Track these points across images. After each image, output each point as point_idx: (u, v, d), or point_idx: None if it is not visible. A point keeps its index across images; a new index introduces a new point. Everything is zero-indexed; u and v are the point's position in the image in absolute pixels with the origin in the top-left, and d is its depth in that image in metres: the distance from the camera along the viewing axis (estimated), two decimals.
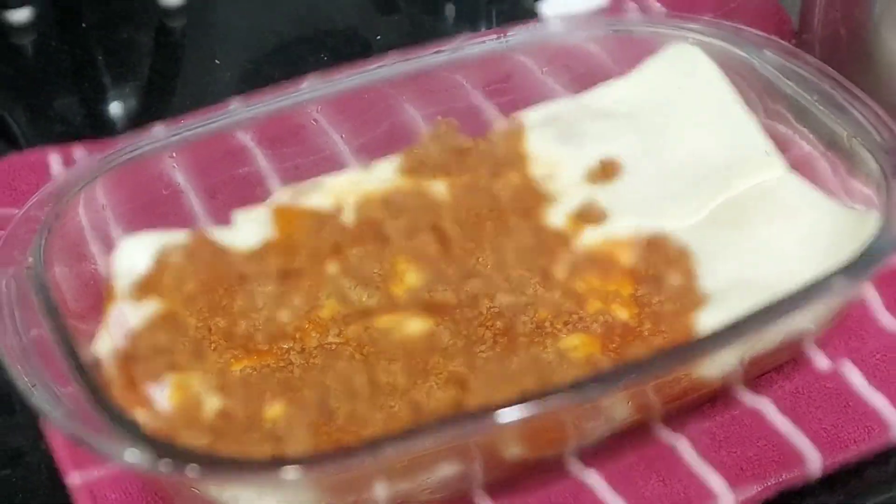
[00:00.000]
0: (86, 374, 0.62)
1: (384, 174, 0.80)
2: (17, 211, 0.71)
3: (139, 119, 0.91)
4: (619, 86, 0.84)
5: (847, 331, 0.73)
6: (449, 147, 0.81)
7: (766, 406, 0.69)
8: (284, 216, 0.76)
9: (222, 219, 0.77)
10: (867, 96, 0.74)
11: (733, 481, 0.65)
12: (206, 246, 0.74)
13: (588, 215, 0.77)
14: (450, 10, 1.02)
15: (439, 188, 0.79)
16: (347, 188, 0.79)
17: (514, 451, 0.64)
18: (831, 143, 0.75)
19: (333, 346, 0.69)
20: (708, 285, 0.72)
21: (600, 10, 0.91)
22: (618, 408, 0.65)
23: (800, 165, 0.78)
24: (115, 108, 0.94)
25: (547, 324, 0.70)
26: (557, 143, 0.81)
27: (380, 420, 0.64)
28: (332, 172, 0.80)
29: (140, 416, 0.66)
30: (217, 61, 0.97)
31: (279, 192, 0.79)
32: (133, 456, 0.57)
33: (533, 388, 0.65)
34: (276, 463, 0.60)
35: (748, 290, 0.70)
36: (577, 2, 0.94)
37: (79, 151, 0.85)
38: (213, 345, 0.69)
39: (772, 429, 0.67)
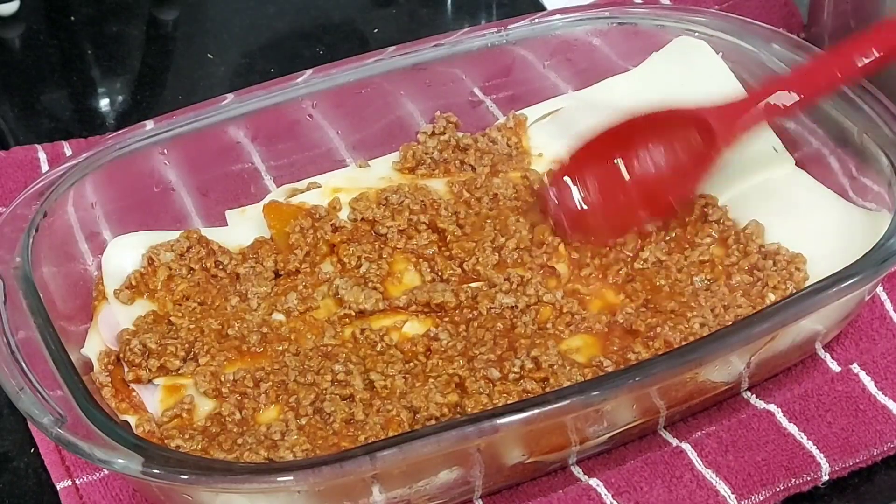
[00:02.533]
0: (75, 377, 0.61)
1: (381, 171, 0.79)
2: (3, 209, 0.70)
3: (129, 115, 0.90)
4: (624, 81, 0.83)
5: (857, 333, 0.72)
6: (448, 143, 0.80)
7: (774, 410, 0.68)
8: (277, 214, 0.75)
9: (215, 217, 0.77)
10: (878, 91, 0.73)
11: (740, 487, 0.64)
12: (198, 245, 0.73)
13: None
14: (448, 3, 1.01)
15: (438, 186, 0.78)
16: (344, 186, 0.78)
17: (515, 456, 0.63)
18: (841, 140, 0.75)
19: (329, 348, 0.68)
20: None
21: (603, 2, 0.90)
22: (622, 412, 0.64)
23: (809, 162, 0.77)
24: (105, 104, 0.93)
25: (549, 325, 0.69)
26: (560, 140, 0.80)
27: (377, 424, 0.63)
28: (329, 170, 0.79)
29: (130, 420, 0.65)
30: (210, 55, 0.96)
31: (274, 190, 0.78)
32: (123, 462, 0.56)
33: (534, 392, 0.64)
34: (271, 468, 0.59)
35: None
36: None
37: (67, 148, 0.84)
38: (205, 347, 0.68)
39: (780, 433, 0.67)
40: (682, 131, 0.72)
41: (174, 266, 0.72)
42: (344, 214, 0.76)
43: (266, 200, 0.77)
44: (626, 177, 0.73)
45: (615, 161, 0.73)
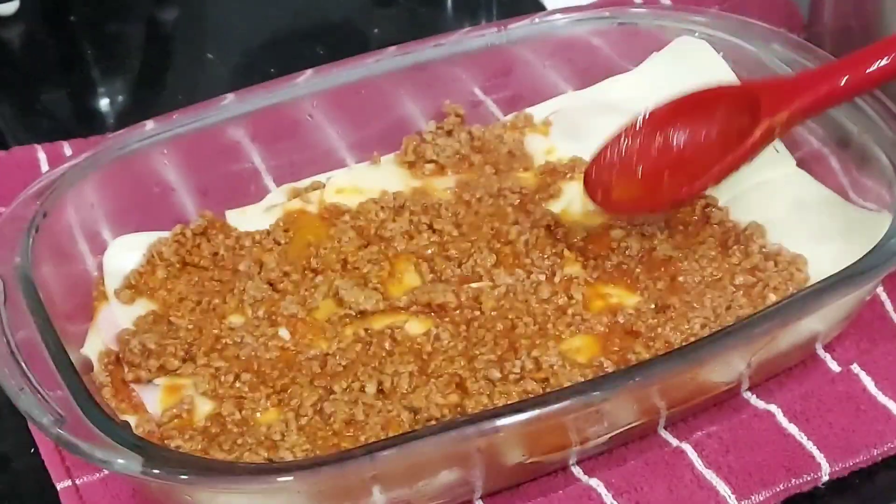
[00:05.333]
0: (75, 377, 0.60)
1: (382, 171, 0.79)
2: (3, 209, 0.70)
3: (129, 115, 0.90)
4: (625, 80, 0.83)
5: (858, 333, 0.72)
6: (451, 142, 0.80)
7: (774, 410, 0.67)
8: (306, 224, 0.75)
9: (215, 217, 0.76)
10: (878, 91, 0.72)
11: (741, 487, 0.64)
12: (212, 230, 0.74)
13: (593, 213, 0.75)
14: (449, 3, 1.01)
15: (439, 185, 0.78)
16: (347, 186, 0.78)
17: (515, 456, 0.63)
18: (842, 140, 0.74)
19: (329, 349, 0.68)
20: None
21: (604, 2, 0.90)
22: (622, 412, 0.64)
23: (809, 162, 0.77)
24: (105, 104, 0.93)
25: (549, 325, 0.69)
26: (562, 139, 0.81)
27: (377, 425, 0.63)
28: (328, 169, 0.79)
29: (130, 420, 0.65)
30: (210, 55, 0.96)
31: (274, 190, 0.78)
32: (123, 462, 0.56)
33: (534, 392, 0.64)
34: (271, 469, 0.59)
35: None
36: None
37: (67, 148, 0.84)
38: (203, 348, 0.68)
39: (781, 433, 0.66)
40: (729, 108, 0.68)
41: (174, 259, 0.72)
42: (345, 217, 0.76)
43: (266, 200, 0.78)
44: (667, 151, 0.70)
45: (658, 136, 0.70)
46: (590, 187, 0.72)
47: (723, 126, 0.69)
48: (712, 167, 0.68)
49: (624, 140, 0.71)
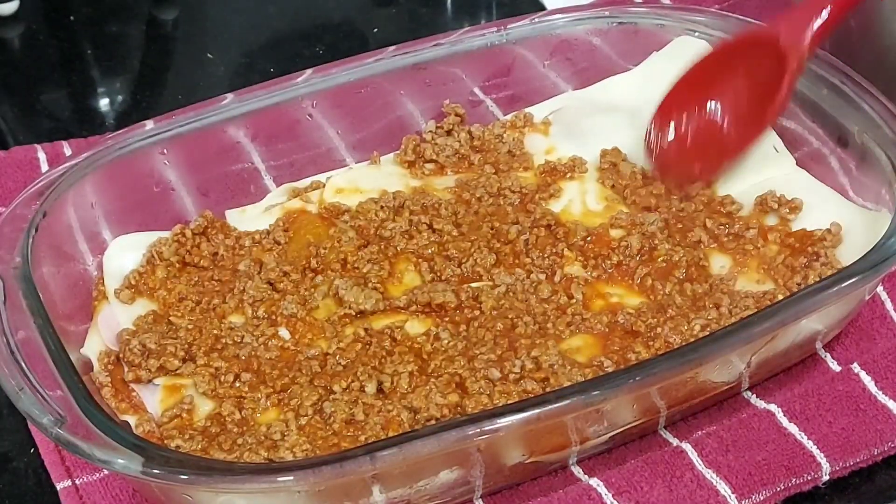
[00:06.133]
0: (75, 377, 0.61)
1: (382, 171, 0.79)
2: (3, 209, 0.70)
3: (129, 114, 0.90)
4: (625, 80, 0.83)
5: (857, 332, 0.72)
6: (450, 142, 0.80)
7: (774, 409, 0.67)
8: (306, 224, 0.75)
9: (215, 217, 0.76)
10: (878, 91, 0.73)
11: (741, 487, 0.64)
12: (212, 228, 0.74)
13: (593, 213, 0.76)
14: (448, 3, 1.01)
15: (439, 185, 0.78)
16: (346, 186, 0.78)
17: (515, 456, 0.63)
18: (841, 139, 0.74)
19: (329, 349, 0.68)
20: None
21: (604, 2, 0.90)
22: (622, 411, 0.64)
23: (809, 162, 0.77)
24: (105, 104, 0.93)
25: (549, 325, 0.69)
26: (562, 139, 0.81)
27: (377, 425, 0.63)
28: (328, 169, 0.79)
29: (130, 420, 0.65)
30: (210, 55, 0.96)
31: (274, 190, 0.78)
32: (123, 462, 0.56)
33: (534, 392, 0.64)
34: (271, 468, 0.59)
35: None
36: None
37: (67, 148, 0.84)
38: (202, 348, 0.68)
39: (781, 433, 0.66)
40: (754, 58, 0.72)
41: (174, 259, 0.72)
42: (345, 218, 0.76)
43: (266, 200, 0.78)
44: (709, 115, 0.74)
45: (698, 100, 0.74)
46: (663, 171, 0.75)
47: (750, 73, 0.71)
48: (758, 114, 0.71)
49: (661, 124, 0.75)
